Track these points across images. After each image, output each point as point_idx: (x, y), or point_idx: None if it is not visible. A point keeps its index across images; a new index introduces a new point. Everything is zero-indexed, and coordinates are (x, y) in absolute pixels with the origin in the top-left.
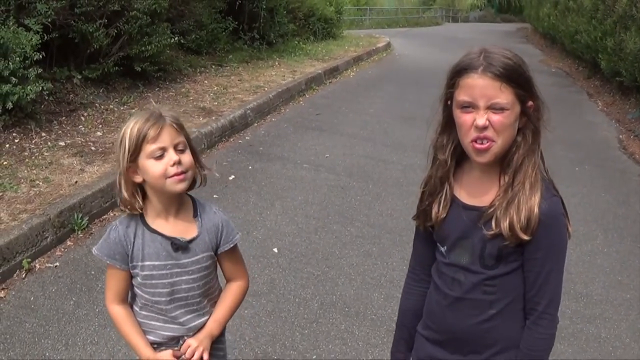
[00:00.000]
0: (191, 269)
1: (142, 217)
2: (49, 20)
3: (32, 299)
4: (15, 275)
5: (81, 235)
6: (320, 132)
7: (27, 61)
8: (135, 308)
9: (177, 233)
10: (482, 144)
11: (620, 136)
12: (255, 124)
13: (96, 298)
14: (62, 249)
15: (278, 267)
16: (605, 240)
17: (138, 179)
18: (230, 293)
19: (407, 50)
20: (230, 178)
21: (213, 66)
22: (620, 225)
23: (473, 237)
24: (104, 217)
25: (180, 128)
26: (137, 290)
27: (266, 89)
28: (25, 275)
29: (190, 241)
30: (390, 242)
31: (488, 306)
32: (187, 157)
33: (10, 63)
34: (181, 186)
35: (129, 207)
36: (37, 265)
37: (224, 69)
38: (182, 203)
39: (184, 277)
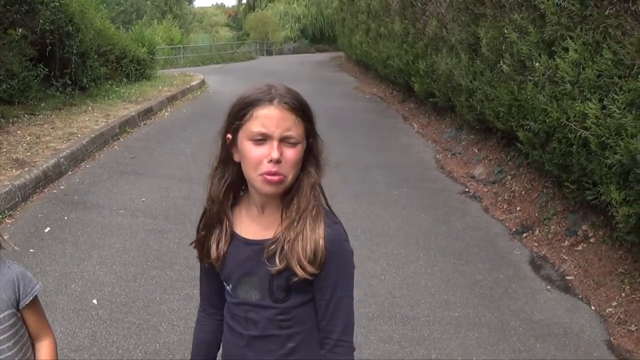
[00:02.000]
0: None
1: None
2: None
3: None
4: None
5: None
6: (136, 175)
7: None
8: None
9: None
10: (273, 176)
11: (438, 156)
12: (70, 172)
13: None
14: None
15: (99, 319)
16: (428, 261)
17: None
18: (46, 355)
19: (222, 86)
20: (46, 230)
21: (25, 115)
22: (442, 245)
23: (258, 272)
24: None
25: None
26: None
27: (79, 135)
28: None
29: None
30: None
31: (286, 340)
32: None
33: None
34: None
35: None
36: None
37: (37, 118)
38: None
39: None
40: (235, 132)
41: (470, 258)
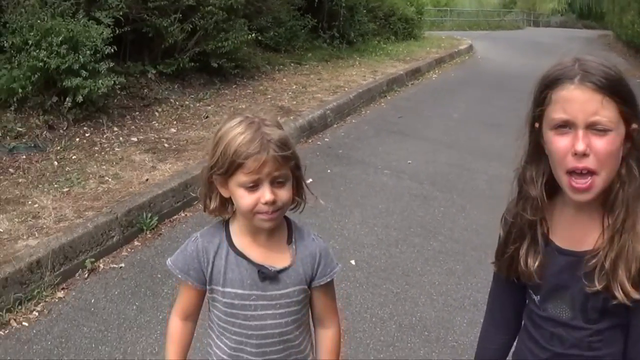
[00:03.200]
0: (279, 303)
1: (228, 233)
2: (121, 13)
3: (92, 301)
4: (77, 275)
5: (149, 236)
6: (402, 136)
7: (97, 54)
8: (212, 335)
9: (266, 260)
10: (582, 180)
11: None
12: (335, 125)
13: (160, 304)
14: (129, 250)
15: (355, 281)
16: None
17: (225, 193)
18: (328, 352)
19: (490, 53)
20: (308, 181)
21: (292, 64)
22: None
23: (572, 287)
24: (175, 217)
25: (284, 160)
26: (214, 317)
27: (346, 89)
28: (88, 275)
29: (281, 271)
30: (475, 260)
31: None
32: (284, 193)
33: (80, 56)
34: (269, 224)
35: (214, 214)
36: (101, 266)
37: (303, 67)
38: (276, 226)
39: (269, 312)
40: (539, 120)
41: None
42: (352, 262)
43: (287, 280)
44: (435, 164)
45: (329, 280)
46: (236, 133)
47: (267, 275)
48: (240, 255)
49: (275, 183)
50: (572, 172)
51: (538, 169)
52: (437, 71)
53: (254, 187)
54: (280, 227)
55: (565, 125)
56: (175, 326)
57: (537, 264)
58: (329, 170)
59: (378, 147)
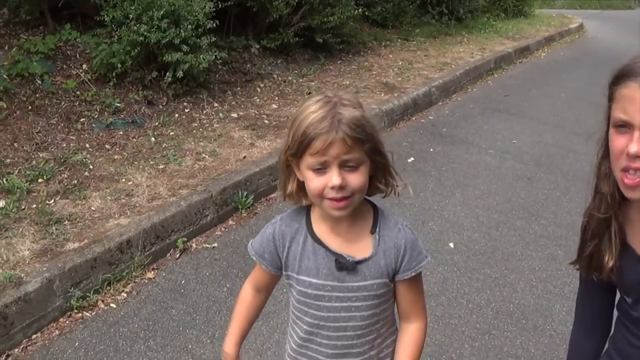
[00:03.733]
0: (355, 295)
1: (308, 219)
2: None
3: (183, 282)
4: (168, 255)
5: (245, 215)
6: (508, 115)
7: (199, 29)
8: (289, 320)
9: (345, 249)
10: (634, 176)
11: None
12: (440, 103)
13: None
14: (223, 229)
15: (453, 265)
16: None
17: (301, 177)
18: (409, 342)
19: (600, 33)
20: (409, 160)
21: (399, 40)
22: None
23: None
24: (271, 196)
25: (356, 142)
26: (291, 302)
27: (453, 66)
28: (179, 255)
29: (360, 262)
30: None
31: None
32: (356, 178)
33: (181, 31)
34: (338, 213)
35: (291, 199)
36: (193, 245)
37: (410, 44)
38: (359, 212)
39: (344, 304)
40: (608, 115)
41: None
42: (451, 245)
43: (366, 272)
44: (541, 145)
45: (414, 274)
46: (309, 112)
47: (345, 266)
48: (318, 243)
49: (346, 167)
50: (625, 170)
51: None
52: (546, 50)
53: (322, 170)
54: (364, 215)
55: (624, 125)
56: (247, 294)
57: (612, 262)
58: (431, 149)
59: (483, 126)
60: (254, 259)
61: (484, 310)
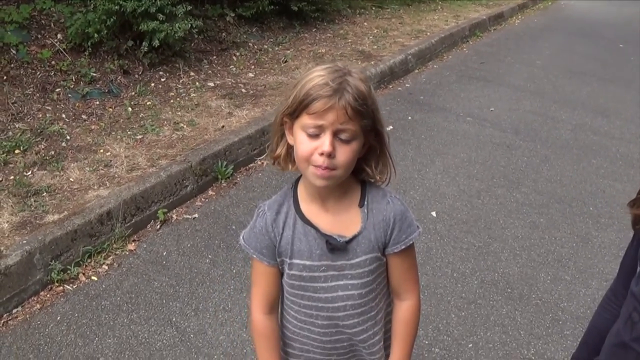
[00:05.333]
0: (350, 273)
1: (296, 199)
2: None
3: (164, 254)
4: (148, 226)
5: (225, 185)
6: (485, 82)
7: None
8: (280, 309)
9: (336, 227)
10: None
11: None
12: (416, 71)
13: (234, 257)
14: (203, 199)
15: (436, 234)
16: None
17: (291, 140)
18: (403, 324)
19: None
20: (389, 129)
21: (373, 8)
22: None
23: None
24: (251, 165)
25: (355, 114)
26: (285, 292)
27: (428, 33)
28: (160, 227)
29: (350, 240)
30: (560, 213)
31: None
32: (344, 152)
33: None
34: (320, 182)
35: (278, 164)
36: (174, 217)
37: (385, 11)
38: (347, 186)
39: (340, 282)
40: None
41: None
42: (433, 213)
43: (357, 249)
44: (518, 112)
45: (403, 247)
46: (316, 74)
47: (336, 247)
48: (308, 224)
49: (339, 138)
50: None
51: None
52: (520, 17)
53: (315, 135)
54: (353, 188)
55: None
56: (261, 324)
57: None
58: (409, 117)
59: (460, 94)
60: (255, 257)
61: (469, 279)
